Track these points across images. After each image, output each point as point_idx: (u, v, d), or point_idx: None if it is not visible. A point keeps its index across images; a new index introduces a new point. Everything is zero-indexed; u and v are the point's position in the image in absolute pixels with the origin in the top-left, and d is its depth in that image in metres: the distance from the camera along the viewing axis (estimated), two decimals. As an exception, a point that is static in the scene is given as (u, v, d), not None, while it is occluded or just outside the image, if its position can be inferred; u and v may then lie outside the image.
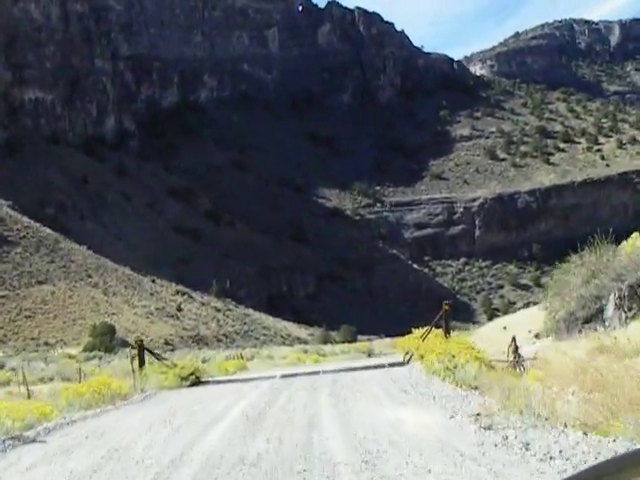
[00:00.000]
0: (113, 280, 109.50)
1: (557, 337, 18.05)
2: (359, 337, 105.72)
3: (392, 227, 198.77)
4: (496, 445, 9.06)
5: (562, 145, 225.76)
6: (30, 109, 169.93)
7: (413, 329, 31.73)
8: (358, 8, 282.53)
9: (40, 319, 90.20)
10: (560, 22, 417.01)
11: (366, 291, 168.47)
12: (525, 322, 27.14)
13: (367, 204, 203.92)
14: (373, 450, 9.56)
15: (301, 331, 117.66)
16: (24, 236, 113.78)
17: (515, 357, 16.77)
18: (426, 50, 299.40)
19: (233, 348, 78.96)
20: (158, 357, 27.67)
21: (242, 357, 51.48)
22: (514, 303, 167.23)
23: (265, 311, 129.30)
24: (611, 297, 17.23)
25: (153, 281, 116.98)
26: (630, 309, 16.83)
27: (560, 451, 8.16)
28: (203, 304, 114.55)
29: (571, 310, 17.86)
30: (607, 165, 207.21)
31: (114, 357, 58.91)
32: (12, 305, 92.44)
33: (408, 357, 24.57)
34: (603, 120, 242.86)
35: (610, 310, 17.08)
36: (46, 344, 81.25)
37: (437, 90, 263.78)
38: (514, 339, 17.05)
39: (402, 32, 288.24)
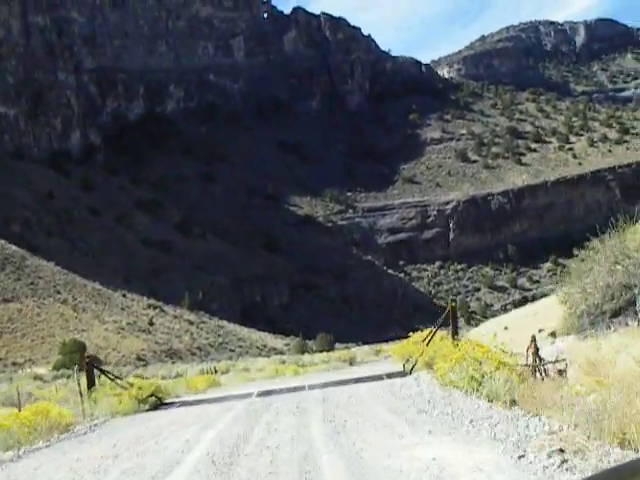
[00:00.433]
0: (82, 296, 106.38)
1: (580, 334, 15.48)
2: (336, 345, 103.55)
3: (365, 233, 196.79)
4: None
5: (533, 145, 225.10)
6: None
7: (411, 332, 28.15)
8: (324, 14, 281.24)
9: (7, 338, 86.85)
10: (525, 24, 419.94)
11: (341, 298, 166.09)
12: (528, 320, 24.56)
13: (339, 210, 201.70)
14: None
15: (277, 341, 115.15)
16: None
17: (535, 360, 14.07)
18: (393, 54, 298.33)
19: (208, 361, 76.62)
20: (111, 376, 24.33)
21: (216, 371, 48.80)
22: (491, 305, 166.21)
23: (239, 322, 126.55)
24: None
25: (124, 295, 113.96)
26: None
27: None
28: (176, 317, 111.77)
29: (596, 302, 15.29)
30: (579, 164, 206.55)
31: (83, 375, 55.79)
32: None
33: (410, 365, 20.72)
34: (573, 119, 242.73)
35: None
36: (14, 364, 78.13)
37: (406, 94, 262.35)
38: (534, 339, 14.45)
39: (369, 36, 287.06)
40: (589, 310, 15.51)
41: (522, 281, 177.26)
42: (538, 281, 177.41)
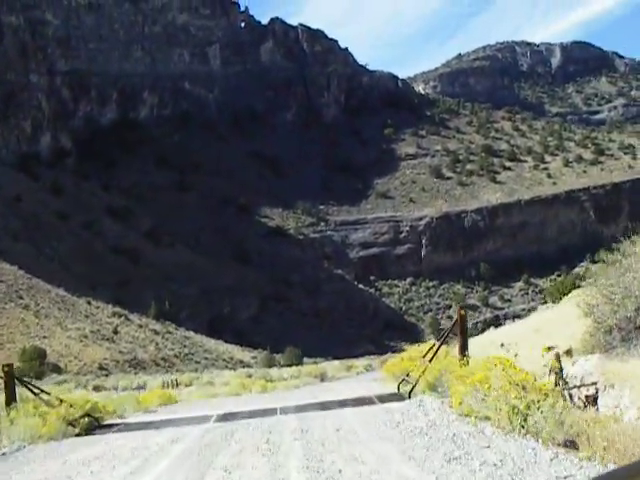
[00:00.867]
0: (46, 301, 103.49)
1: (608, 353, 13.34)
2: (305, 359, 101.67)
3: (337, 247, 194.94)
4: None
5: (508, 164, 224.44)
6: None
7: (408, 345, 25.46)
8: (301, 25, 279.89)
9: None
10: (502, 44, 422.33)
11: (311, 312, 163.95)
12: (528, 337, 22.47)
13: (311, 223, 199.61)
14: None
15: (244, 354, 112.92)
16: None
17: (558, 383, 11.76)
18: (370, 69, 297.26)
19: (172, 372, 74.44)
20: (35, 390, 19.88)
21: (177, 384, 46.57)
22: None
23: (207, 334, 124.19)
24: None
25: (89, 303, 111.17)
26: None
27: None
28: (141, 326, 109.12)
29: (628, 315, 13.16)
30: (554, 183, 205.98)
31: (39, 384, 53.37)
32: None
33: (409, 387, 16.75)
34: (549, 139, 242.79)
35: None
36: (-30, 370, 75.32)
37: (382, 108, 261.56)
38: (558, 357, 12.32)
39: (346, 49, 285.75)
40: (619, 324, 13.42)
41: (494, 299, 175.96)
42: (510, 300, 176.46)
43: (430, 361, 16.46)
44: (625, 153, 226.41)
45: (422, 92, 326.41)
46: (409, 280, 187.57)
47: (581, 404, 10.59)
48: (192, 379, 53.00)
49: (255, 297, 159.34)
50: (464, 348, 16.76)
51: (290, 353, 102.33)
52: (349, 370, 59.91)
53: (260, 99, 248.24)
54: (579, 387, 11.41)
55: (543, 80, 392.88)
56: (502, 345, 19.48)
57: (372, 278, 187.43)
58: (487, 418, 10.94)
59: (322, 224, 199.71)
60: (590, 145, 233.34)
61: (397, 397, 17.15)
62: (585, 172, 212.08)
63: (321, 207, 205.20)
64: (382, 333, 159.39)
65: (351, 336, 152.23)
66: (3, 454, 14.07)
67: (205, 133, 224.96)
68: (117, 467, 11.55)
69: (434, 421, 12.12)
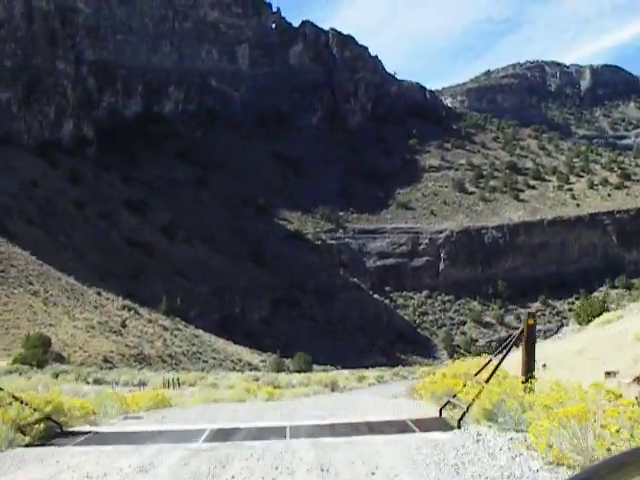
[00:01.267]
0: (55, 289, 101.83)
1: None
2: (314, 367, 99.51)
3: (354, 255, 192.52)
4: None
5: (532, 182, 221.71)
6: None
7: (452, 360, 21.91)
8: (332, 30, 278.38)
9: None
10: (532, 63, 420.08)
11: (324, 319, 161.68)
12: (572, 358, 20.00)
13: (329, 229, 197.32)
14: None
15: (253, 356, 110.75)
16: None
17: None
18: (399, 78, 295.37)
19: (178, 370, 72.30)
20: None
21: (180, 384, 44.35)
22: (476, 340, 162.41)
23: (216, 333, 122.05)
24: None
25: (99, 293, 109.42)
26: None
27: None
28: (150, 321, 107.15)
29: None
30: (577, 205, 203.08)
31: (38, 372, 51.40)
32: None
33: (459, 413, 12.40)
34: (575, 160, 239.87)
35: None
36: (-27, 354, 73.63)
37: (408, 118, 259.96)
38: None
39: (376, 57, 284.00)
40: None
41: (510, 319, 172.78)
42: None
43: (487, 381, 12.39)
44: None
45: (450, 105, 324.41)
46: (425, 293, 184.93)
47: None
48: (197, 379, 50.81)
49: (268, 300, 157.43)
50: (530, 368, 12.63)
51: (300, 359, 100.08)
52: (361, 381, 57.59)
53: (286, 101, 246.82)
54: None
55: (571, 101, 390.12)
56: (544, 366, 17.10)
57: (387, 289, 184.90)
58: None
59: (340, 231, 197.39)
60: (616, 169, 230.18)
61: (440, 424, 12.99)
62: (610, 196, 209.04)
63: (340, 213, 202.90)
64: (394, 345, 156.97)
65: (362, 346, 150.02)
66: None
67: (229, 131, 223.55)
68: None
69: (510, 469, 8.31)
